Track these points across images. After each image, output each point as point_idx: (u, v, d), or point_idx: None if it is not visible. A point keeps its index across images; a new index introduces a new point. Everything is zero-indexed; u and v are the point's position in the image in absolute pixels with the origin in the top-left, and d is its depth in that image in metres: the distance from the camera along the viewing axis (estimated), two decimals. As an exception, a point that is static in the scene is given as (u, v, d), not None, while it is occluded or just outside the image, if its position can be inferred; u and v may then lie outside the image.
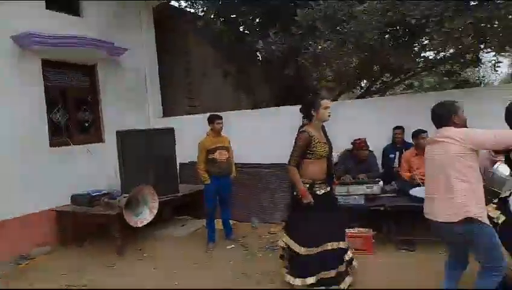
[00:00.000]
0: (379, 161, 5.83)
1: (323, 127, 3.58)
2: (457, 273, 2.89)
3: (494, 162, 3.70)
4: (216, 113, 5.35)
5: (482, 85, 11.76)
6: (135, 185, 5.11)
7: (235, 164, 5.51)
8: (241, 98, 9.55)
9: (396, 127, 5.77)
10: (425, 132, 4.81)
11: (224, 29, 7.60)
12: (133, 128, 6.31)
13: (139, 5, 7.74)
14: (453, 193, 2.54)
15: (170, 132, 6.13)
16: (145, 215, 5.18)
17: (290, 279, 3.47)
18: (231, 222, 5.69)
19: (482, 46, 5.64)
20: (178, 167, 6.54)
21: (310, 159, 3.40)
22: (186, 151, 6.36)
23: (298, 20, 5.83)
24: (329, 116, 3.41)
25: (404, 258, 4.33)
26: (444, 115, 2.72)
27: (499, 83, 14.03)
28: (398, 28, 5.66)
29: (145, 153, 5.73)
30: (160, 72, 8.18)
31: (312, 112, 3.42)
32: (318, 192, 3.45)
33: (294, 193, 3.48)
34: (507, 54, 7.16)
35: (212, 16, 7.94)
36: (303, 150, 3.39)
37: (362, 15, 5.30)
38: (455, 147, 2.54)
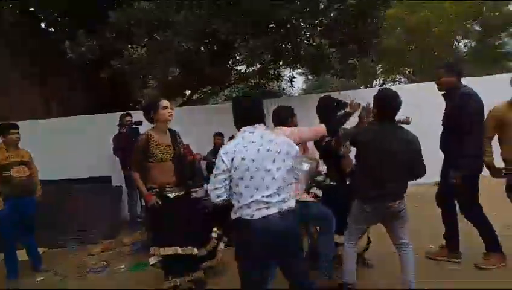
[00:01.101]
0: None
1: (173, 131, 3.46)
2: None
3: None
4: (10, 122, 4.47)
5: (283, 96, 13.87)
6: None
7: (41, 181, 4.73)
8: (51, 105, 8.32)
9: (217, 134, 6.16)
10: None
11: (19, 20, 6.42)
12: None
13: None
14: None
15: None
16: None
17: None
18: (40, 249, 4.85)
19: (280, 62, 6.65)
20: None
21: (153, 162, 3.24)
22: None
23: (112, 22, 5.51)
24: (170, 116, 3.30)
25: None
26: (283, 116, 3.17)
27: (296, 96, 16.83)
28: (212, 41, 6.07)
29: None
30: None
31: (152, 114, 3.32)
32: (170, 195, 3.28)
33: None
34: (300, 70, 8.64)
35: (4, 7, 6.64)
36: (142, 153, 3.22)
37: (179, 25, 5.43)
38: None
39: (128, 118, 5.63)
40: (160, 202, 3.24)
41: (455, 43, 14.67)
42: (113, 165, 5.90)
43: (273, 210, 2.14)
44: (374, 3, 5.73)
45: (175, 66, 6.27)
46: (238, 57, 6.72)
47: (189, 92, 9.30)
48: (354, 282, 2.88)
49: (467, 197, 3.32)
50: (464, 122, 3.13)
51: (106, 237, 5.40)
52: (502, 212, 3.59)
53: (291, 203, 2.22)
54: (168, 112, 3.30)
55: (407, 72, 15.76)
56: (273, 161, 2.17)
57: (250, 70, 7.60)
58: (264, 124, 2.31)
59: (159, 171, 3.25)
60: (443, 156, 3.48)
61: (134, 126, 5.47)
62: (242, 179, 2.15)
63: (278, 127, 3.05)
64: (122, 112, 5.88)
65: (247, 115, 2.31)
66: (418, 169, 2.70)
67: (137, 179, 3.28)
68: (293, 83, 6.90)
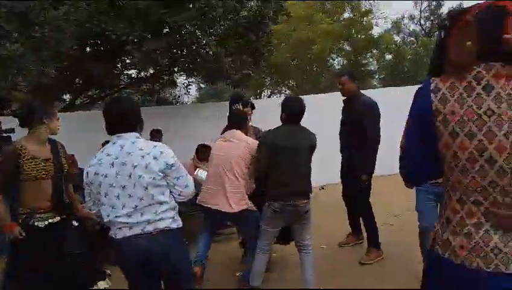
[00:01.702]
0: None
1: (53, 141, 2.73)
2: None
3: (196, 168, 4.32)
4: None
5: (178, 104, 13.61)
6: None
7: None
8: None
9: (106, 142, 5.65)
10: None
11: None
12: None
13: None
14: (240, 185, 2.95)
15: None
16: None
17: None
18: None
19: (175, 69, 6.50)
20: None
21: (24, 181, 2.47)
22: None
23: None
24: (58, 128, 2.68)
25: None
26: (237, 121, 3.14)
27: (190, 104, 16.68)
28: (99, 41, 5.59)
29: None
30: None
31: (45, 120, 2.56)
32: (39, 224, 2.50)
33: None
34: (196, 78, 8.57)
35: None
36: (8, 169, 2.42)
37: (59, 21, 4.86)
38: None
39: (-5, 124, 4.74)
40: (23, 234, 2.43)
41: (330, 60, 16.51)
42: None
43: (136, 231, 1.91)
44: (264, 17, 6.06)
45: (53, 66, 5.55)
46: (128, 60, 6.32)
47: (70, 96, 8.36)
48: (260, 285, 2.94)
49: (364, 195, 3.70)
50: (368, 126, 3.48)
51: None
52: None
53: (163, 225, 1.95)
54: (58, 125, 2.67)
55: (291, 84, 17.05)
56: (129, 176, 1.91)
57: (143, 75, 7.24)
58: (135, 132, 2.03)
59: (32, 192, 2.51)
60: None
61: (5, 134, 4.65)
62: (100, 194, 1.95)
63: (236, 131, 3.09)
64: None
65: (113, 122, 2.01)
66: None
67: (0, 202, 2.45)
68: (188, 90, 6.81)
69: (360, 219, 3.89)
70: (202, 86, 19.10)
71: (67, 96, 8.59)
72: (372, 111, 3.54)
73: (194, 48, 5.73)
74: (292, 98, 3.00)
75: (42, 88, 8.39)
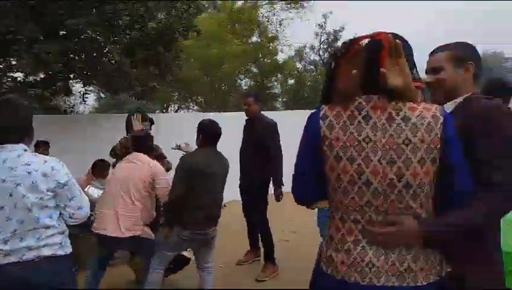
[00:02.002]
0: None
1: None
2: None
3: (87, 184, 3.95)
4: None
5: (72, 113, 12.39)
6: None
7: None
8: None
9: None
10: None
11: None
12: None
13: None
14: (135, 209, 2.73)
15: None
16: None
17: None
18: None
19: (71, 75, 5.94)
20: None
21: None
22: None
23: None
24: None
25: None
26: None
27: (87, 114, 15.37)
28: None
29: None
30: None
31: None
32: None
33: None
34: (95, 87, 7.94)
35: None
36: None
37: None
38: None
39: None
40: None
41: (238, 80, 17.02)
42: None
43: (11, 259, 1.65)
44: (173, 31, 5.98)
45: None
46: (14, 62, 5.58)
47: None
48: None
49: (262, 211, 3.84)
50: (271, 146, 3.68)
51: None
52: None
53: (48, 251, 1.71)
54: None
55: (199, 100, 17.04)
56: (10, 195, 1.64)
57: (31, 79, 6.43)
58: (23, 143, 1.76)
59: None
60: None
61: None
62: None
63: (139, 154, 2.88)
64: None
65: None
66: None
67: None
68: (85, 99, 6.25)
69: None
70: (102, 95, 17.87)
71: None
72: (273, 131, 3.77)
73: (95, 54, 5.34)
74: (209, 121, 2.90)
75: None
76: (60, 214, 1.80)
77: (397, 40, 1.20)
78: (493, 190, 1.25)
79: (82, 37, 4.97)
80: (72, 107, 11.94)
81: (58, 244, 1.76)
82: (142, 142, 3.04)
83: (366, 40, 1.24)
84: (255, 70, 16.44)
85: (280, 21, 18.95)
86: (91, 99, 20.06)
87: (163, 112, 16.44)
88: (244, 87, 17.64)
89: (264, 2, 19.30)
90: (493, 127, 1.33)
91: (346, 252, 1.22)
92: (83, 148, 5.42)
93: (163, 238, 2.80)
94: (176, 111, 18.84)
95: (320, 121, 1.25)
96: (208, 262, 2.92)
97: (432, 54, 1.58)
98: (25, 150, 1.74)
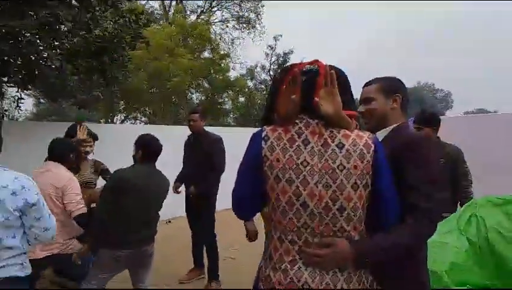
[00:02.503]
0: None
1: None
2: None
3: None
4: None
5: (6, 119, 11.46)
6: None
7: None
8: None
9: None
10: None
11: None
12: None
13: None
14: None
15: None
16: None
17: None
18: None
19: (5, 79, 5.50)
20: None
21: None
22: None
23: None
24: None
25: None
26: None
27: (23, 120, 14.29)
28: None
29: None
30: None
31: None
32: None
33: None
34: (30, 91, 7.42)
35: None
36: None
37: None
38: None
39: None
40: None
41: (189, 94, 16.85)
42: None
43: None
44: (120, 40, 5.80)
45: None
46: None
47: None
48: None
49: (209, 226, 3.87)
50: (216, 160, 3.76)
51: None
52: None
53: (9, 272, 1.62)
54: None
55: (148, 112, 16.57)
56: None
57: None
58: None
59: None
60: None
61: None
62: None
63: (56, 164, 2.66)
64: None
65: None
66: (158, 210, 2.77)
67: None
68: (19, 104, 5.79)
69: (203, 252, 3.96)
70: (42, 101, 16.76)
71: None
72: (219, 146, 3.84)
73: (33, 58, 5.01)
74: (150, 136, 2.74)
75: None
76: (24, 233, 1.69)
77: (332, 70, 1.27)
78: (420, 213, 1.32)
79: (19, 39, 4.64)
80: (5, 112, 11.05)
81: (19, 265, 1.67)
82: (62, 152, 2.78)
83: (305, 67, 1.31)
84: (206, 85, 16.41)
85: (232, 39, 19.30)
86: (29, 104, 18.74)
87: (108, 122, 15.75)
88: (196, 101, 17.50)
89: (216, 20, 19.57)
90: (420, 155, 1.41)
91: (283, 272, 1.24)
92: (11, 158, 4.99)
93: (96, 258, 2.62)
94: (122, 122, 18.13)
95: (262, 142, 1.29)
96: (143, 282, 2.76)
97: (364, 85, 1.69)
98: None
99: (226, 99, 17.40)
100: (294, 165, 1.23)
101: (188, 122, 3.96)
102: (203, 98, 17.07)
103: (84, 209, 2.63)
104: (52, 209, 2.48)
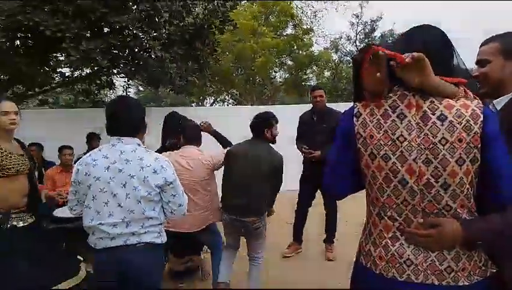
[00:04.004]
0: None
1: (22, 143, 2.60)
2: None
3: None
4: None
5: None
6: None
7: None
8: None
9: (92, 134, 5.27)
10: (72, 148, 4.65)
11: None
12: None
13: None
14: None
15: None
16: None
17: None
18: None
19: (115, 70, 6.20)
20: None
21: (4, 176, 2.34)
22: None
23: None
24: (12, 124, 2.42)
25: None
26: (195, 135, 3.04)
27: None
28: (31, 36, 5.17)
29: None
30: None
31: None
32: (18, 223, 2.36)
33: None
34: (137, 81, 8.25)
35: None
36: None
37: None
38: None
39: None
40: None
41: (273, 73, 16.93)
42: None
43: (117, 242, 1.83)
44: (210, 26, 6.08)
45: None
46: (62, 58, 5.90)
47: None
48: (227, 281, 2.98)
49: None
50: None
51: None
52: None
53: (147, 238, 1.87)
54: (10, 119, 2.40)
55: (234, 93, 17.17)
56: (123, 186, 1.82)
57: (77, 74, 6.79)
58: (135, 137, 1.92)
59: (9, 188, 2.37)
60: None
61: None
62: (86, 196, 1.86)
63: (191, 147, 3.00)
64: None
65: (117, 123, 1.90)
66: (277, 184, 2.93)
67: None
68: (127, 93, 6.52)
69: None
70: (141, 89, 18.49)
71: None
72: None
73: (137, 50, 5.54)
74: (265, 113, 3.03)
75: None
76: (161, 207, 1.95)
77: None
78: None
79: (125, 33, 5.17)
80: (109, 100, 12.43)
81: (157, 233, 1.93)
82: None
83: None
84: (289, 62, 16.28)
85: (315, 12, 18.66)
86: (131, 93, 20.86)
87: (199, 105, 16.76)
88: (279, 80, 17.54)
89: (298, -7, 19.06)
90: None
91: (384, 248, 1.22)
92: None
93: None
94: (211, 104, 19.12)
95: (354, 119, 1.25)
96: (255, 253, 3.00)
97: (480, 45, 1.51)
98: (139, 145, 1.92)
99: (311, 75, 17.07)
100: (390, 141, 1.17)
101: (314, 99, 3.96)
102: (286, 75, 17.02)
103: None
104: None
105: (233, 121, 4.12)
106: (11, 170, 2.36)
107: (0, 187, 2.34)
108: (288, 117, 4.14)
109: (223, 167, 2.98)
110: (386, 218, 1.22)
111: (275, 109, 4.17)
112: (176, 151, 3.07)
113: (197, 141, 3.10)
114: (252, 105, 13.81)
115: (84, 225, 1.88)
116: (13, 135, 2.53)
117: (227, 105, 19.13)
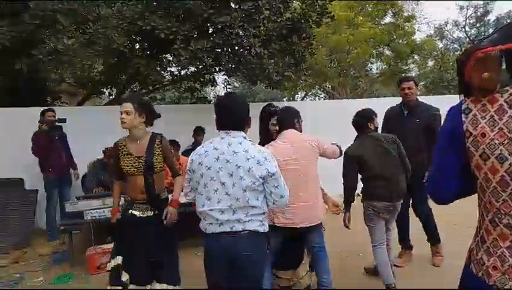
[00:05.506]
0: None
1: (154, 137, 2.77)
2: None
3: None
4: None
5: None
6: None
7: None
8: None
9: (198, 128, 5.86)
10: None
11: None
12: None
13: None
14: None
15: None
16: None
17: None
18: None
19: (217, 68, 6.58)
20: None
21: (125, 174, 2.76)
22: None
23: (32, 7, 4.92)
24: (122, 122, 2.65)
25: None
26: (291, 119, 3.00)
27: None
28: (147, 39, 5.77)
29: None
30: None
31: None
32: (137, 213, 2.70)
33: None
34: (236, 78, 8.66)
35: None
36: (116, 162, 2.76)
37: (111, 18, 5.07)
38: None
39: (50, 113, 4.99)
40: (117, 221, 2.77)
41: (369, 64, 16.16)
42: (28, 166, 5.20)
43: (225, 228, 1.97)
44: (307, 20, 6.05)
45: (102, 61, 5.79)
46: (174, 58, 6.47)
47: (115, 90, 8.68)
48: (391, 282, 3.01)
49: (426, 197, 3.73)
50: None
51: (17, 247, 4.72)
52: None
53: (251, 226, 1.98)
54: (121, 118, 2.63)
55: (327, 87, 16.86)
56: (230, 175, 1.96)
57: (183, 73, 7.39)
58: (241, 131, 2.07)
59: (130, 183, 2.74)
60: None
61: (57, 124, 4.92)
62: (199, 183, 2.04)
63: (290, 131, 2.88)
64: (43, 108, 5.23)
65: (225, 118, 2.08)
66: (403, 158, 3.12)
67: (113, 189, 2.96)
68: (228, 89, 6.87)
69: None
70: (236, 85, 19.30)
71: (112, 91, 8.92)
72: (438, 116, 3.55)
73: (237, 48, 5.79)
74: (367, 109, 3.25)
75: (88, 82, 8.80)
76: (264, 197, 2.06)
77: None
78: None
79: (227, 32, 5.44)
80: (217, 96, 13.26)
81: (260, 222, 2.04)
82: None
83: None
84: (388, 53, 15.35)
85: (418, -3, 17.15)
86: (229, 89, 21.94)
87: (290, 100, 16.84)
88: (376, 72, 16.69)
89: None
90: None
91: (499, 258, 1.10)
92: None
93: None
94: (302, 99, 19.06)
95: (462, 116, 1.14)
96: (388, 235, 3.26)
97: None
98: (244, 138, 2.07)
99: (412, 65, 15.85)
100: (506, 140, 1.04)
101: (402, 91, 3.72)
102: (384, 67, 16.09)
103: None
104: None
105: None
106: (125, 168, 2.68)
107: (127, 181, 2.76)
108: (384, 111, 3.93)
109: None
110: (501, 226, 1.11)
111: (371, 103, 3.98)
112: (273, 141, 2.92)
113: (292, 122, 2.91)
114: (346, 99, 13.39)
115: (197, 210, 2.07)
116: (137, 134, 2.70)
117: (319, 99, 18.86)
